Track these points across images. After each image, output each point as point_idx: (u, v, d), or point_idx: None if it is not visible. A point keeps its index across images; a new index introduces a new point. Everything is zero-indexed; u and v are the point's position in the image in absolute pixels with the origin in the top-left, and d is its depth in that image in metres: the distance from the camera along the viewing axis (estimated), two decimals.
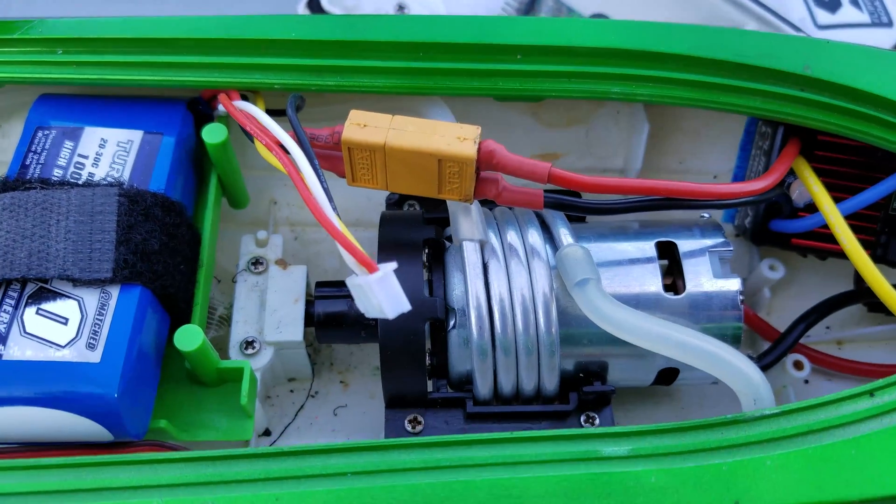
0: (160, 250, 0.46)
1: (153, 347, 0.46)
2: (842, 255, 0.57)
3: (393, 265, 0.40)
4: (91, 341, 0.42)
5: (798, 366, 0.58)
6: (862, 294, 0.60)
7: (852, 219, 0.53)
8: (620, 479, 0.39)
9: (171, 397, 0.48)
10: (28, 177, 0.47)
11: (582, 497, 0.39)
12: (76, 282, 0.43)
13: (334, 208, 0.42)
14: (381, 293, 0.39)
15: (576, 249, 0.48)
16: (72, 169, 0.48)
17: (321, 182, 0.42)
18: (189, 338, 0.45)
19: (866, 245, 0.51)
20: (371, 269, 0.39)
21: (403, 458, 0.40)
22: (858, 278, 0.63)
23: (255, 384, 0.49)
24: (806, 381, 0.60)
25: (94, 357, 0.42)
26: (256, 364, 0.52)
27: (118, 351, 0.42)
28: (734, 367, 0.43)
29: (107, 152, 0.49)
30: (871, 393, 0.43)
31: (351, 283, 0.41)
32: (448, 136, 0.44)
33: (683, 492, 0.39)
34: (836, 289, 0.61)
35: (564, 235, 0.50)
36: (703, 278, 0.50)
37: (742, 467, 0.40)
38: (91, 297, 0.43)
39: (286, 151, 0.44)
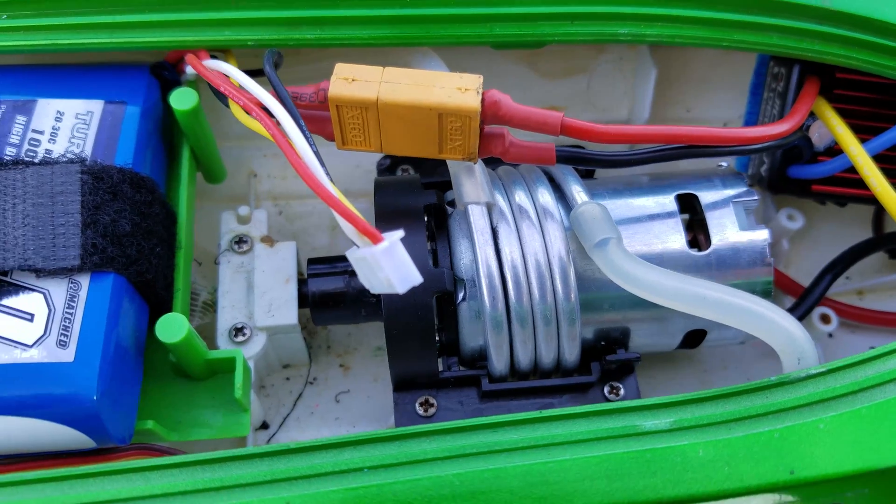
0: (132, 232, 0.42)
1: (133, 341, 0.42)
2: (863, 200, 0.54)
3: (400, 233, 0.36)
4: (62, 338, 0.38)
5: (825, 319, 0.56)
6: (884, 241, 0.58)
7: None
8: (666, 455, 0.37)
9: (157, 395, 0.45)
10: None
11: (625, 477, 0.36)
12: (40, 272, 0.40)
13: (328, 174, 0.37)
14: (389, 265, 0.35)
15: (592, 207, 0.45)
16: (26, 146, 0.44)
17: (311, 145, 0.38)
18: (172, 328, 0.41)
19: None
20: (375, 240, 0.36)
21: (424, 448, 0.36)
22: (878, 225, 0.61)
23: (248, 374, 0.46)
24: (830, 335, 0.58)
25: (67, 356, 0.38)
26: (248, 352, 0.49)
27: (94, 347, 0.39)
28: (776, 323, 0.41)
29: (64, 126, 0.45)
30: None
31: (353, 256, 0.37)
32: (448, 87, 0.41)
33: (734, 464, 0.37)
34: (853, 237, 0.58)
35: (578, 193, 0.47)
36: (728, 231, 0.47)
37: (794, 433, 0.38)
38: (58, 289, 0.40)
39: (268, 113, 0.39)
